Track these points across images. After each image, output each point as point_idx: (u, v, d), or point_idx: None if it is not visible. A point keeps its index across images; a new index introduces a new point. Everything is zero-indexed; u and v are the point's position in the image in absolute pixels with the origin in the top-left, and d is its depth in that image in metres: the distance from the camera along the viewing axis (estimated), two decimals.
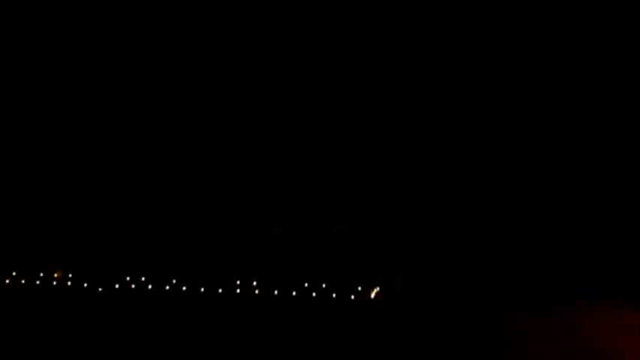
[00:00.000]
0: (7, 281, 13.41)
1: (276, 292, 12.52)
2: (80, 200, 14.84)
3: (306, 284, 12.98)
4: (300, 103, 15.55)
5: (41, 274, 13.56)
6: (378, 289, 12.44)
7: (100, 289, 12.98)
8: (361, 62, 15.38)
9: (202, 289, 12.76)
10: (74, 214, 14.55)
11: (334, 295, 12.38)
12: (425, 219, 15.03)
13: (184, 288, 13.05)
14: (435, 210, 15.14)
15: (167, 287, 12.85)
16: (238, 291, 12.96)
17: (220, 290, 12.74)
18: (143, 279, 13.06)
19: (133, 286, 13.10)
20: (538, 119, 15.06)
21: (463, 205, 15.19)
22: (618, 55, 14.69)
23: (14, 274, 13.55)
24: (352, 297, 12.30)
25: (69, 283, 13.28)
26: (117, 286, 13.14)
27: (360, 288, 12.44)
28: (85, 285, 13.10)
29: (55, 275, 13.08)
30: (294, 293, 12.53)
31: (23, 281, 13.40)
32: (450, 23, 15.11)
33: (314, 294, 12.67)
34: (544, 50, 14.99)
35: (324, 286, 12.54)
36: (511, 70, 15.01)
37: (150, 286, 12.88)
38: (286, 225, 12.89)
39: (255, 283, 13.08)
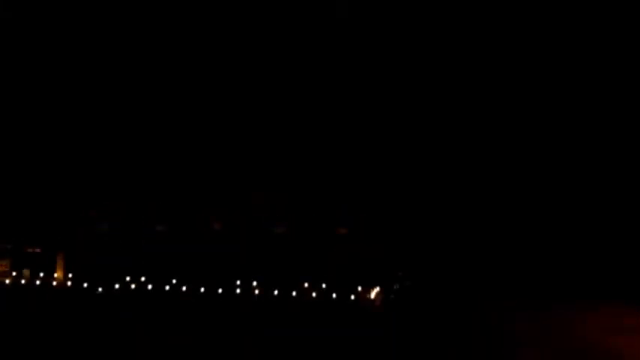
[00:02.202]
0: (7, 281, 13.43)
1: (276, 292, 12.51)
2: (79, 200, 14.84)
3: (305, 284, 13.01)
4: (300, 102, 15.54)
5: (41, 274, 13.60)
6: (378, 289, 12.44)
7: (100, 290, 12.98)
8: (361, 62, 15.37)
9: (202, 289, 12.75)
10: (73, 214, 14.55)
11: (334, 296, 12.38)
12: (425, 219, 15.03)
13: (184, 288, 13.06)
14: (435, 210, 15.14)
15: (167, 287, 12.84)
16: (238, 291, 12.97)
17: (220, 290, 12.74)
18: (143, 279, 13.06)
19: (132, 286, 13.11)
20: (538, 119, 15.06)
21: (463, 205, 15.19)
22: (618, 56, 14.69)
23: (14, 274, 13.58)
24: (352, 297, 12.30)
25: (69, 283, 13.30)
26: (117, 286, 13.15)
27: (360, 288, 12.43)
28: (85, 285, 13.11)
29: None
30: (293, 293, 12.53)
31: (23, 281, 13.43)
32: (449, 23, 15.10)
33: (314, 294, 12.68)
34: (544, 50, 14.99)
35: (324, 286, 12.54)
36: (511, 70, 15.01)
37: (150, 286, 12.87)
38: (287, 225, 12.89)
39: (255, 283, 13.09)
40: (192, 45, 15.34)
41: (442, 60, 15.18)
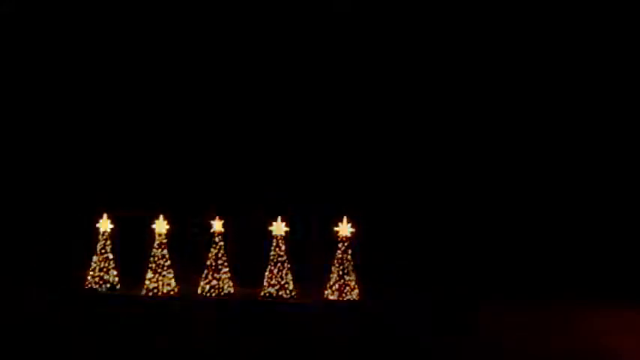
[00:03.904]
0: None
1: (275, 292, 12.55)
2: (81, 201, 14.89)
3: (305, 284, 13.05)
4: (300, 100, 15.56)
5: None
6: (374, 289, 12.49)
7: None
8: (360, 60, 15.38)
9: (202, 291, 12.79)
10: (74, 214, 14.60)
11: (332, 297, 12.42)
12: (425, 220, 15.06)
13: (184, 289, 13.10)
14: (434, 211, 15.17)
15: (168, 288, 12.87)
16: (237, 292, 13.01)
17: (219, 291, 12.78)
18: (145, 278, 13.08)
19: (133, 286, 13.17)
20: (538, 120, 15.08)
21: (462, 205, 15.21)
22: (618, 56, 14.71)
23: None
24: (350, 297, 12.35)
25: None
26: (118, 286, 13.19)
27: (357, 288, 12.47)
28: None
29: None
30: (292, 294, 12.57)
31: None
32: (450, 21, 15.12)
33: (312, 294, 12.73)
34: (544, 50, 15.01)
35: (321, 286, 12.59)
36: (511, 70, 15.03)
37: (150, 287, 12.89)
38: (287, 225, 12.91)
39: (252, 283, 13.12)
40: (192, 45, 15.34)
41: (439, 65, 15.18)
